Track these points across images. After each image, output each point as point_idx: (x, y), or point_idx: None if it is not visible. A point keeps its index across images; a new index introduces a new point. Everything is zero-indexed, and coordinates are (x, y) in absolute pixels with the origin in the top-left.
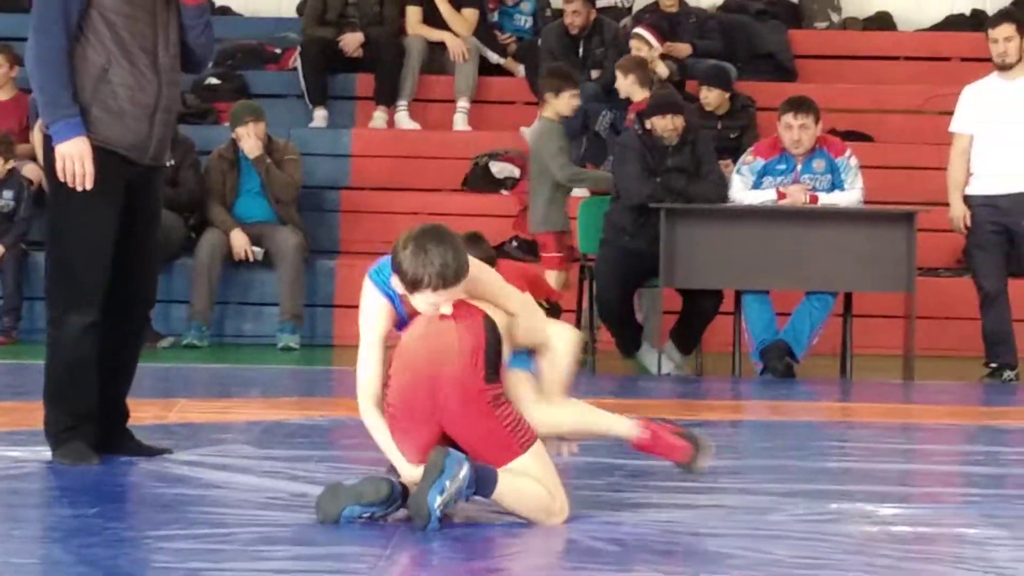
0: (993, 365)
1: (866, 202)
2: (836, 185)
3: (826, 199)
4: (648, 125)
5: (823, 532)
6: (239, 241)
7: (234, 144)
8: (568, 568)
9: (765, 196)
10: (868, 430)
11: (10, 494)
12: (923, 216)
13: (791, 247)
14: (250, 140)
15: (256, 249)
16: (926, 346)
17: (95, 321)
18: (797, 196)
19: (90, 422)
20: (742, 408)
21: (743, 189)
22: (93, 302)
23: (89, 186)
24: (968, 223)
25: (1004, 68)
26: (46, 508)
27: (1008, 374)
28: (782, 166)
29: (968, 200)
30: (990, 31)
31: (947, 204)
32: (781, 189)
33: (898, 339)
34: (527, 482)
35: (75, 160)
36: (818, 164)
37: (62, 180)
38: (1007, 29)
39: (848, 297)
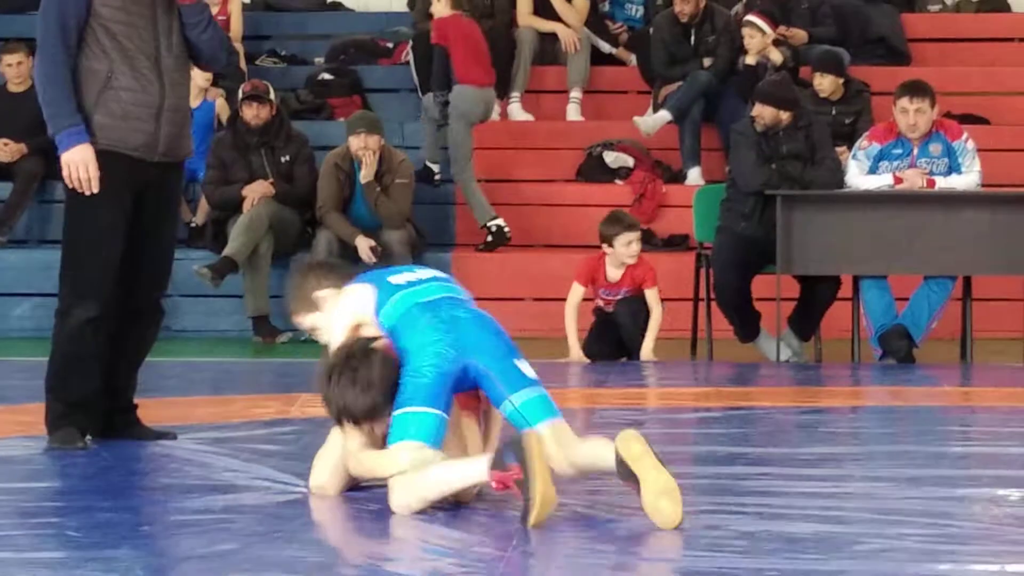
0: None
1: (983, 185)
2: (953, 169)
3: (943, 183)
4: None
5: (950, 516)
6: (364, 246)
7: (349, 153)
8: (696, 556)
9: (882, 181)
10: (990, 414)
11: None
12: None
13: (909, 231)
14: (364, 167)
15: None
16: None
17: (97, 316)
18: (914, 180)
19: (84, 410)
20: (862, 394)
21: (859, 174)
22: (96, 297)
23: (95, 190)
24: None
25: None
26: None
27: None
28: (898, 150)
29: None
30: None
31: None
32: (898, 174)
33: (1018, 322)
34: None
35: (79, 167)
36: (935, 148)
37: (69, 186)
38: None
39: (967, 281)
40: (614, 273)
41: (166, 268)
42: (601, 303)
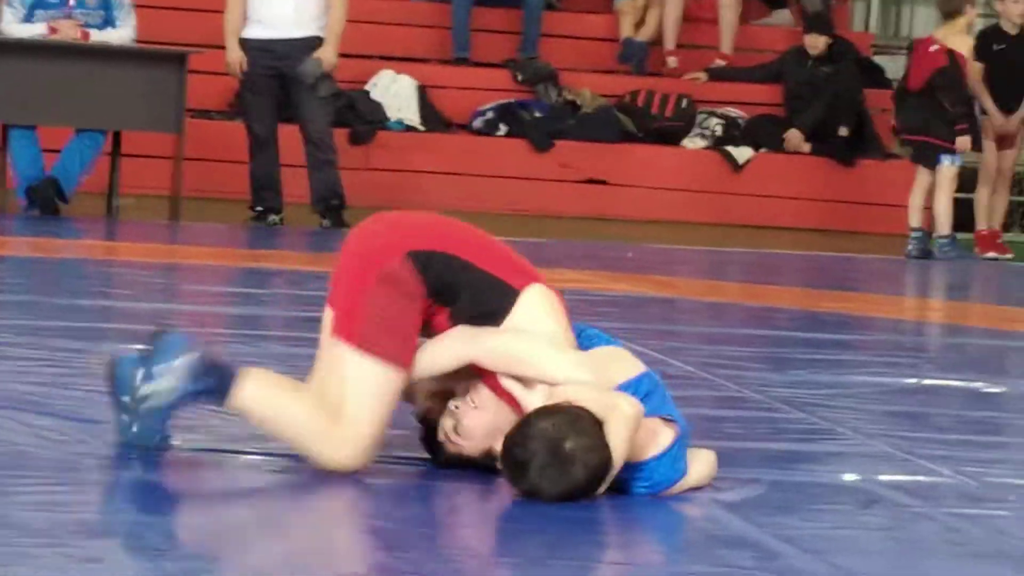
0: (259, 209)
1: (140, 41)
2: (109, 22)
3: (98, 36)
4: None
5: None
6: None
7: None
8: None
9: (35, 30)
10: (132, 269)
11: None
12: (196, 58)
13: (61, 83)
14: None
15: None
16: (195, 188)
17: None
18: (68, 32)
19: None
20: (5, 244)
21: (14, 22)
22: None
23: None
24: (244, 67)
25: None
26: None
27: (273, 218)
28: (55, 0)
29: (244, 44)
30: None
31: (222, 47)
32: (52, 24)
33: (167, 180)
34: (292, 399)
35: None
36: (91, 0)
37: None
38: None
39: (117, 136)
40: None
41: None
42: None
